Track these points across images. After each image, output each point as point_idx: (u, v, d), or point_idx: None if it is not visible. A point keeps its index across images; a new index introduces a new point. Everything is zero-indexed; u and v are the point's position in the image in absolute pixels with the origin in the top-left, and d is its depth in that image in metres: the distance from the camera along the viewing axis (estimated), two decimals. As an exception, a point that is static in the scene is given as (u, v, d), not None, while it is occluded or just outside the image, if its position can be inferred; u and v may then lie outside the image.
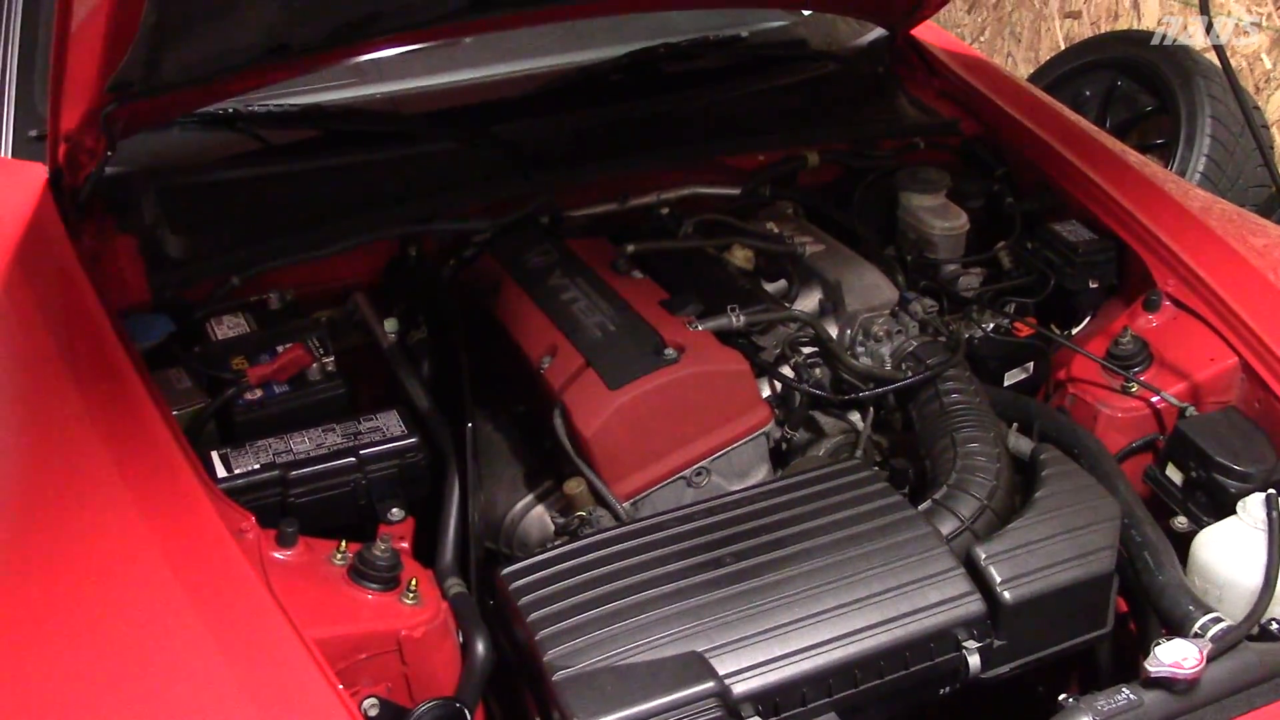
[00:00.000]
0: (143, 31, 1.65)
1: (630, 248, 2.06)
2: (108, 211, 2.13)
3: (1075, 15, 4.47)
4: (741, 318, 1.89)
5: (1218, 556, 1.67)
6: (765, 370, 1.88)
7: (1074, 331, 2.27)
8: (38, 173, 2.09)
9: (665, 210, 2.27)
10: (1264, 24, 3.80)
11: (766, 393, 1.91)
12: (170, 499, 1.55)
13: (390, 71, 2.45)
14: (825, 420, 1.95)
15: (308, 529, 1.68)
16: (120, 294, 2.00)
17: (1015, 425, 1.90)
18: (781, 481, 1.70)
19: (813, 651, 1.46)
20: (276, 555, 1.56)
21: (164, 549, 1.48)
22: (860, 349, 1.98)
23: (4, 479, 1.64)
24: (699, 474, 1.82)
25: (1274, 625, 1.56)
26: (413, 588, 1.56)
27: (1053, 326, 2.28)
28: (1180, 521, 1.81)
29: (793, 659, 1.45)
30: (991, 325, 2.17)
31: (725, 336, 1.89)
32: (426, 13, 2.04)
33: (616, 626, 1.46)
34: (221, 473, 1.70)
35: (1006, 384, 2.17)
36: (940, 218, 2.26)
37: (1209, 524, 1.75)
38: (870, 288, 2.05)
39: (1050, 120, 2.47)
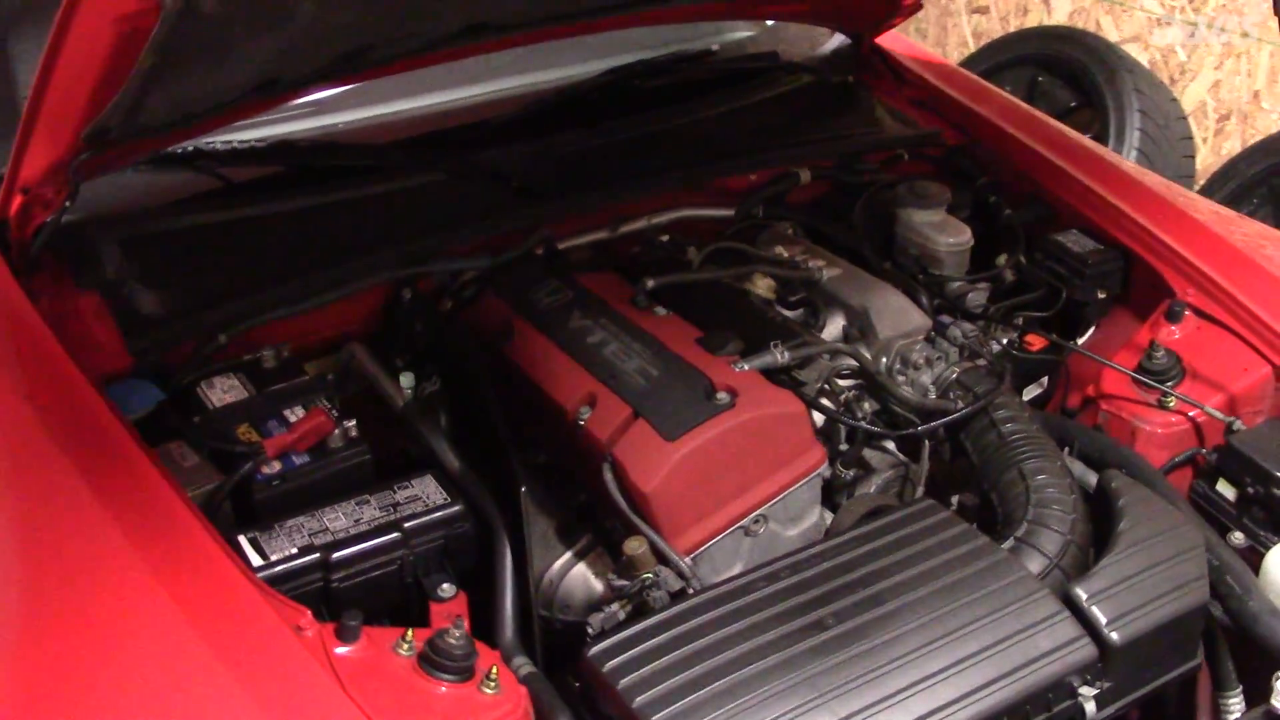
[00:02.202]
0: (135, 75, 1.48)
1: (650, 283, 1.95)
2: (61, 267, 1.93)
3: (983, 10, 4.51)
4: (785, 353, 1.80)
5: (1293, 575, 1.65)
6: (819, 409, 1.79)
7: (1080, 342, 2.25)
8: None
9: (665, 237, 2.17)
10: (1179, 19, 3.89)
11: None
12: (220, 598, 1.40)
13: (352, 100, 2.29)
14: (871, 455, 1.88)
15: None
16: (94, 360, 1.81)
17: (1068, 449, 1.86)
18: (860, 530, 1.62)
19: (938, 716, 1.39)
20: (340, 651, 1.42)
21: (226, 658, 1.33)
22: (900, 378, 1.92)
23: (10, 600, 1.45)
24: (757, 521, 1.73)
25: (1367, 644, 1.55)
26: (493, 675, 1.43)
27: (1055, 339, 2.26)
28: (1237, 538, 1.79)
29: (920, 726, 1.38)
30: (1006, 341, 2.14)
31: (770, 374, 1.80)
32: (419, 41, 1.90)
33: (733, 706, 1.37)
34: (256, 560, 1.55)
35: (1026, 398, 2.14)
36: (944, 233, 2.21)
37: (1269, 539, 1.74)
38: (900, 312, 1.99)
39: (1036, 128, 2.45)
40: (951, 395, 1.87)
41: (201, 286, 1.95)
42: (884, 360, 1.94)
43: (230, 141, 2.11)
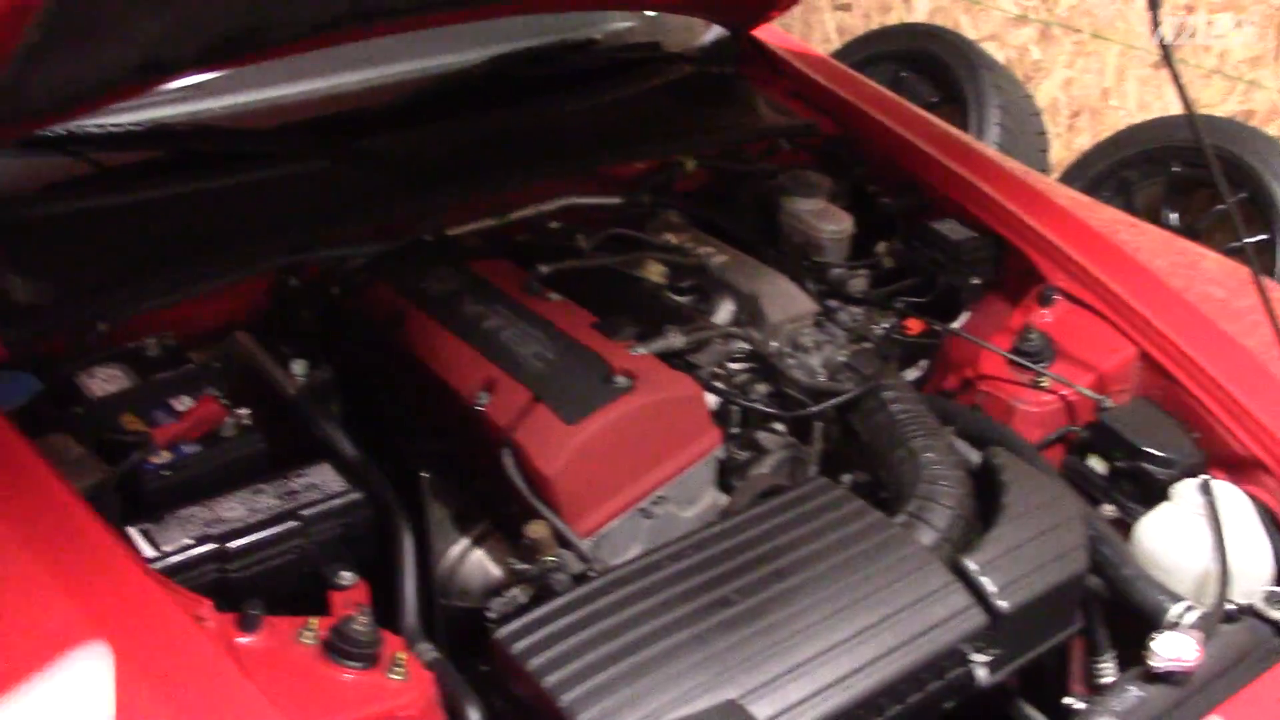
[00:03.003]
0: (17, 54, 1.43)
1: (544, 269, 1.96)
2: None
3: (845, 8, 4.62)
4: (681, 337, 1.83)
5: (1162, 543, 1.75)
6: (714, 391, 1.83)
7: (954, 326, 2.33)
8: None
9: (554, 224, 2.17)
10: (1034, 18, 4.05)
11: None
12: (116, 593, 1.36)
13: (237, 84, 2.23)
14: (763, 436, 1.92)
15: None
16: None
17: (951, 428, 1.93)
18: (760, 509, 1.65)
19: (840, 686, 1.43)
20: (242, 641, 1.39)
21: (127, 653, 1.29)
22: (790, 360, 1.96)
23: None
24: (656, 503, 1.75)
25: (1231, 607, 1.64)
26: (399, 660, 1.42)
27: (933, 323, 2.33)
28: (1107, 510, 1.88)
29: (824, 695, 1.41)
30: (886, 325, 2.21)
31: (665, 358, 1.83)
32: (305, 24, 1.87)
33: (644, 681, 1.38)
34: (149, 552, 1.51)
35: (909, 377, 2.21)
36: (826, 221, 2.27)
37: (1136, 511, 1.84)
38: (788, 297, 2.03)
39: (908, 118, 2.53)
40: (840, 377, 1.93)
41: (80, 275, 1.88)
42: (774, 344, 1.98)
43: (105, 125, 2.04)
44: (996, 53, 4.14)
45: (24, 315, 1.80)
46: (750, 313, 2.03)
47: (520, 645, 1.43)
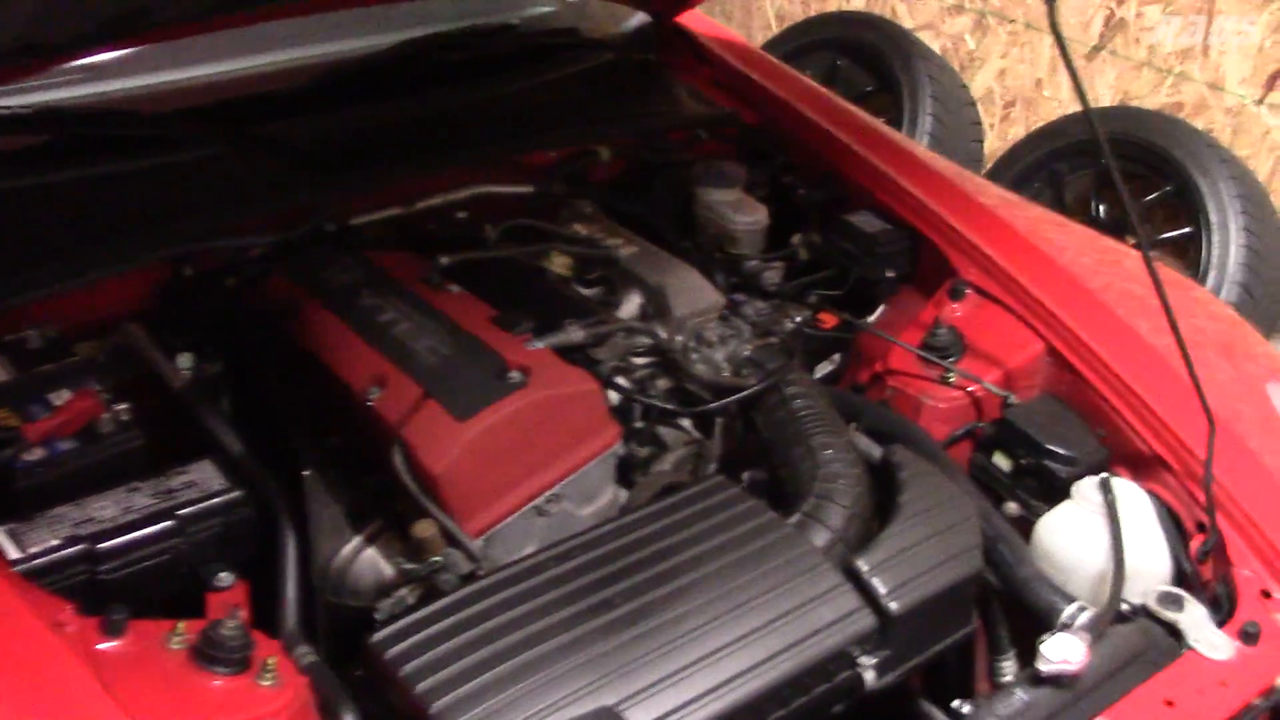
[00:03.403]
0: None
1: (444, 260, 1.92)
2: None
3: (788, -6, 4.60)
4: (579, 331, 1.79)
5: (1060, 542, 1.73)
6: (614, 387, 1.79)
7: (870, 320, 2.31)
8: None
9: (462, 214, 2.13)
10: (969, 7, 4.03)
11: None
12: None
13: (133, 66, 2.17)
14: (665, 432, 1.89)
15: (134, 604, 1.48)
16: None
17: (854, 425, 1.91)
18: (652, 507, 1.62)
19: (721, 691, 1.40)
20: (104, 647, 1.35)
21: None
22: (695, 355, 1.93)
23: None
24: (550, 501, 1.72)
25: (1124, 607, 1.63)
26: (270, 666, 1.38)
27: (846, 316, 2.31)
28: (1011, 507, 1.87)
29: (703, 702, 1.38)
30: (799, 318, 2.19)
31: (564, 352, 1.79)
32: (198, 4, 1.81)
33: (519, 688, 1.35)
34: (13, 553, 1.46)
35: (816, 377, 2.19)
36: (740, 212, 2.24)
37: (1039, 509, 1.82)
38: (695, 290, 2.00)
39: (829, 109, 2.50)
40: (744, 372, 1.90)
41: None
42: (679, 338, 1.94)
43: (-5, 106, 1.97)
44: (932, 42, 4.13)
45: (-102, 305, 1.74)
46: (656, 306, 2.00)
47: (393, 651, 1.40)
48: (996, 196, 2.36)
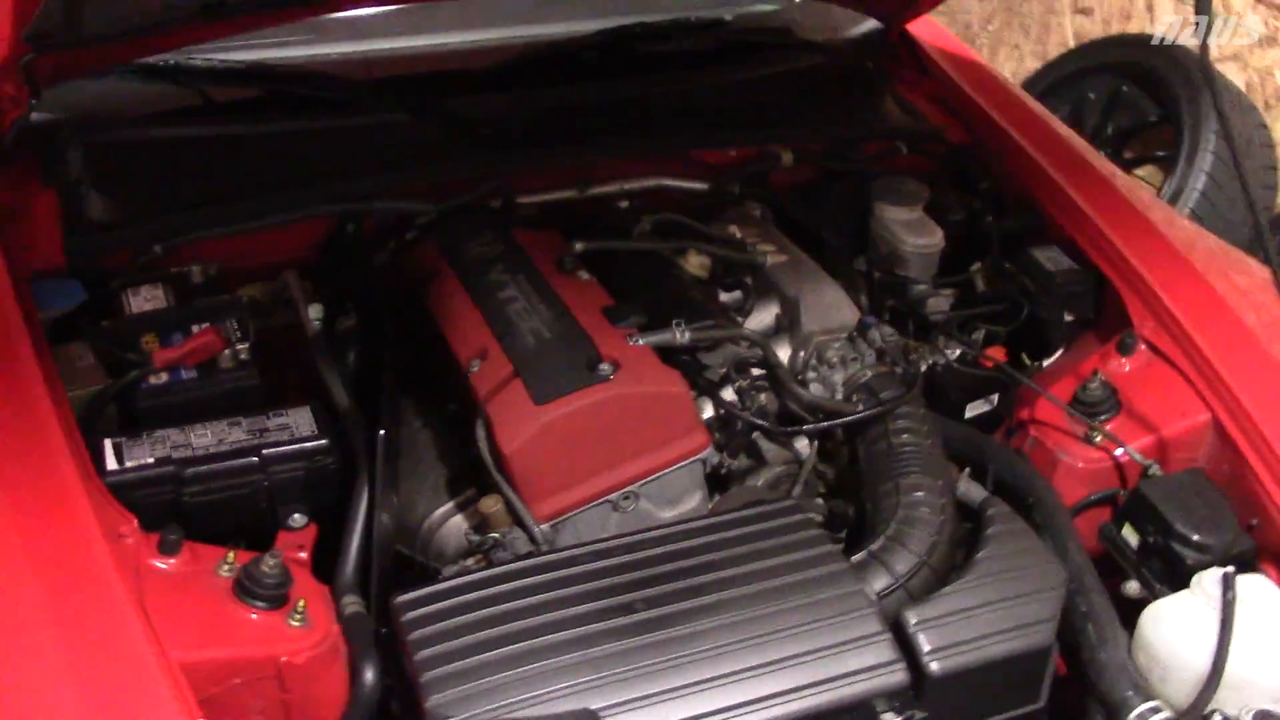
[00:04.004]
0: None
1: (579, 245, 1.94)
2: (34, 162, 2.01)
3: (1087, 12, 4.31)
4: (687, 333, 1.77)
5: (1166, 633, 1.56)
6: (706, 392, 1.76)
7: (1045, 364, 2.15)
8: None
9: (625, 204, 2.14)
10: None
11: (709, 413, 1.79)
12: (44, 493, 1.44)
13: (351, 31, 2.30)
14: (768, 448, 1.84)
15: (203, 531, 1.58)
16: (34, 255, 1.88)
17: (968, 470, 1.79)
18: (710, 519, 1.59)
19: (718, 717, 1.35)
20: (157, 564, 1.45)
21: (28, 551, 1.37)
22: (812, 374, 1.86)
23: None
24: (626, 499, 1.71)
25: (1217, 717, 1.46)
26: (300, 608, 1.45)
27: (1024, 358, 2.17)
28: (1132, 587, 1.70)
29: (695, 724, 1.35)
30: (957, 352, 2.07)
31: (668, 353, 1.77)
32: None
33: (510, 674, 1.36)
34: (112, 464, 1.59)
35: (968, 416, 2.06)
36: (914, 233, 2.14)
37: (1163, 592, 1.65)
38: (829, 307, 1.93)
39: (1041, 135, 2.34)
40: (855, 398, 1.81)
41: (151, 197, 2.00)
42: (802, 353, 1.89)
43: (211, 60, 2.15)
44: (1236, 75, 3.76)
45: (90, 229, 1.93)
46: (791, 318, 1.94)
47: (409, 615, 1.43)
48: (1207, 251, 2.14)
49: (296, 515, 1.64)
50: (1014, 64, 4.62)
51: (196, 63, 2.14)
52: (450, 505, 1.79)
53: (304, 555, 1.61)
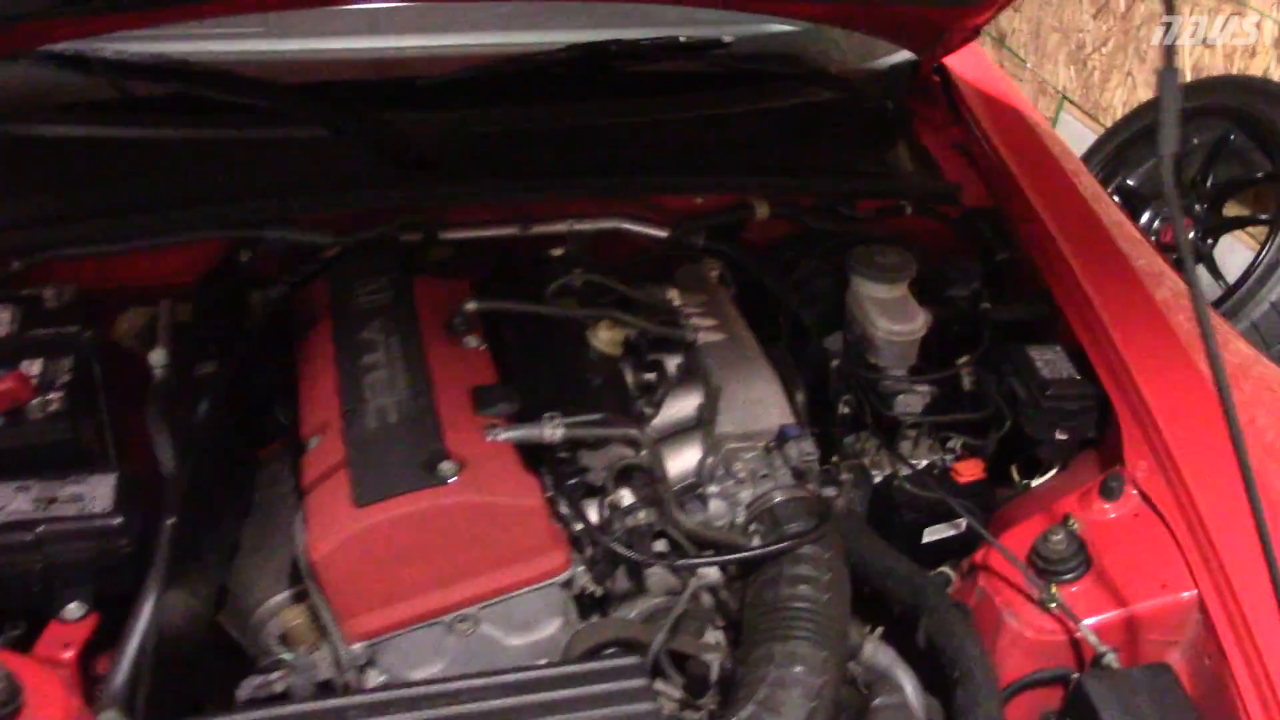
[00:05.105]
0: None
1: (471, 305, 1.67)
2: None
3: (1210, 45, 3.85)
4: (560, 429, 1.49)
5: None
6: (567, 506, 1.48)
7: (1034, 484, 1.82)
8: None
9: (558, 252, 1.86)
10: None
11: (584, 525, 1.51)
12: None
13: (293, 28, 2.07)
14: (655, 575, 1.55)
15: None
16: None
17: (878, 630, 1.48)
18: (524, 674, 1.31)
19: None
20: None
21: None
22: (715, 487, 1.57)
23: None
24: (463, 621, 1.45)
25: None
26: (19, 733, 1.23)
27: (1013, 472, 1.84)
28: (1062, 802, 1.38)
29: None
30: (924, 463, 1.75)
31: (536, 450, 1.50)
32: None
33: None
34: None
35: (928, 539, 1.74)
36: (890, 316, 1.81)
37: (1095, 820, 1.32)
38: (754, 405, 1.62)
39: (1070, 207, 1.98)
40: (752, 528, 1.51)
41: (23, 204, 1.80)
42: (710, 460, 1.59)
43: (123, 52, 1.93)
44: (1369, 130, 3.28)
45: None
46: (711, 412, 1.64)
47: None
48: (1247, 376, 1.76)
49: (73, 605, 1.42)
50: (1125, 92, 4.17)
51: (106, 54, 1.92)
52: (287, 595, 1.55)
53: (68, 655, 1.39)
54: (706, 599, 1.57)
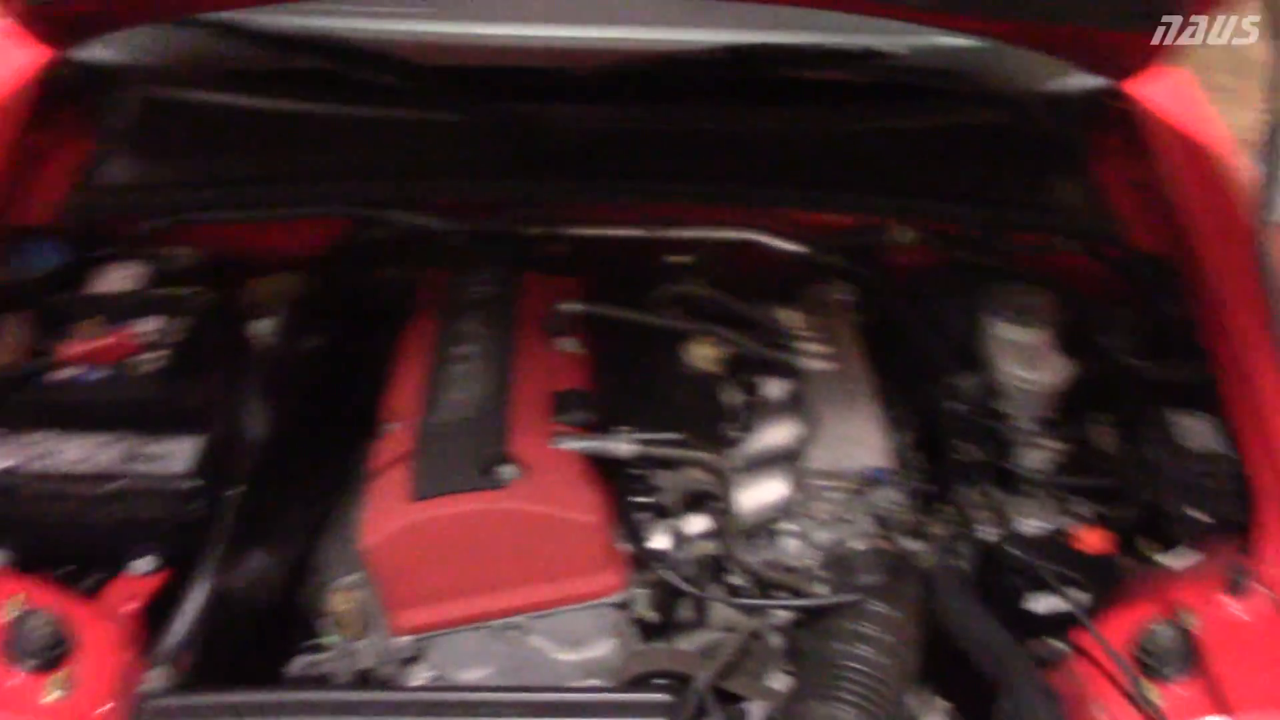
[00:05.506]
0: None
1: (570, 305, 1.63)
2: (87, 107, 1.93)
3: None
4: (632, 445, 1.43)
5: None
6: (631, 529, 1.42)
7: (1167, 561, 1.65)
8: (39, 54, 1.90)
9: (681, 259, 1.80)
10: None
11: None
12: None
13: (462, 11, 2.05)
14: (721, 609, 1.48)
15: (46, 553, 1.44)
16: (29, 207, 1.79)
17: (937, 702, 1.37)
18: (555, 695, 1.26)
19: None
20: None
21: None
22: (793, 525, 1.48)
23: None
24: (510, 629, 1.41)
25: None
26: (63, 678, 1.27)
27: (1142, 546, 1.67)
28: None
29: None
30: (1042, 525, 1.62)
31: (608, 464, 1.45)
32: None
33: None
34: (-37, 460, 1.46)
35: (1033, 610, 1.60)
36: (1024, 362, 1.68)
37: None
38: (848, 443, 1.52)
39: (1248, 265, 1.78)
40: (818, 575, 1.42)
41: (162, 165, 1.87)
42: (792, 495, 1.50)
43: (273, 23, 1.96)
44: None
45: (103, 190, 1.82)
46: (804, 445, 1.55)
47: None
48: None
49: (143, 560, 1.46)
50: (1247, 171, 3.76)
51: (258, 24, 1.95)
52: (354, 579, 1.55)
53: (131, 608, 1.43)
54: (777, 640, 1.49)
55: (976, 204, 1.89)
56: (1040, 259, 1.89)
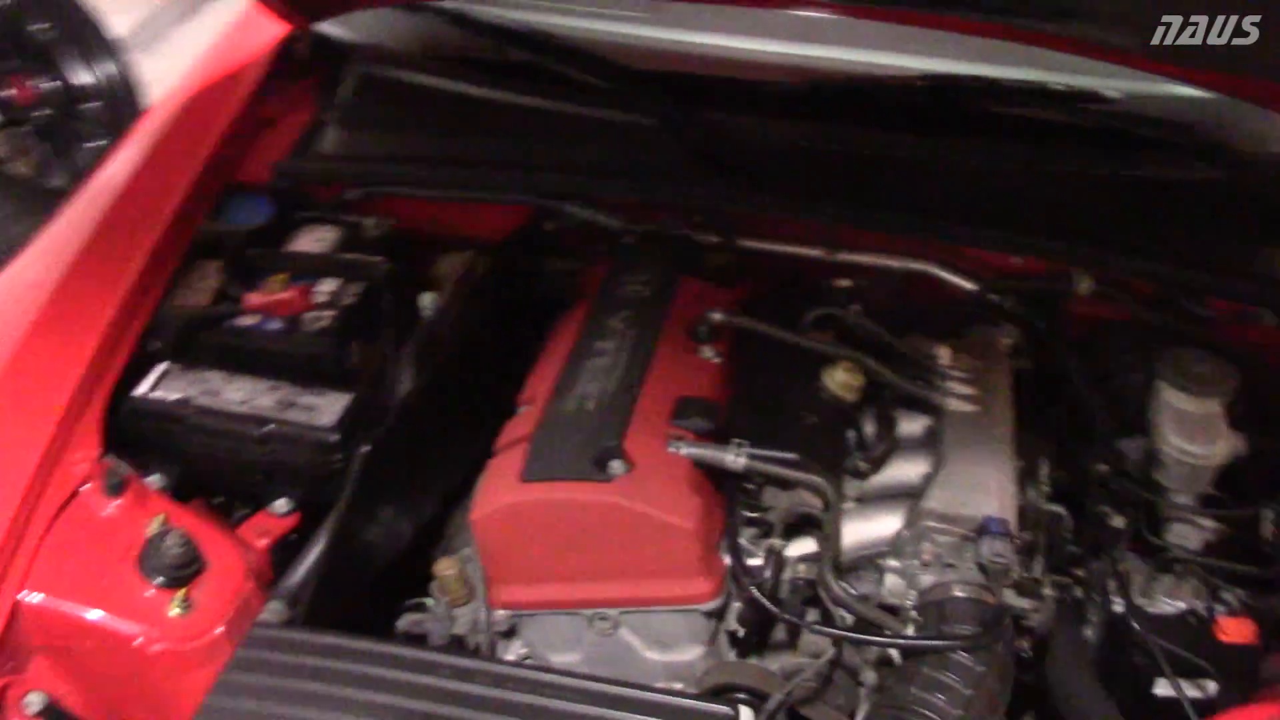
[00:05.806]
0: None
1: (716, 315, 1.64)
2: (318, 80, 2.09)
3: None
4: (742, 459, 1.44)
5: None
6: (733, 542, 1.42)
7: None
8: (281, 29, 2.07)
9: (845, 282, 1.78)
10: None
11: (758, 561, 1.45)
12: (24, 398, 1.49)
13: (678, 18, 2.10)
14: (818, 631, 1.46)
15: (200, 481, 1.57)
16: (250, 164, 1.95)
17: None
18: (619, 690, 1.28)
19: None
20: (93, 500, 1.45)
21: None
22: (896, 562, 1.44)
23: None
24: (602, 619, 1.44)
25: None
26: (179, 600, 1.38)
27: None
28: None
29: None
30: (1175, 604, 1.52)
31: (719, 475, 1.46)
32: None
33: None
34: (142, 389, 1.61)
35: (1159, 694, 1.51)
36: (1188, 433, 1.57)
37: None
38: (970, 490, 1.47)
39: None
40: (913, 616, 1.38)
41: (374, 139, 1.99)
42: (904, 533, 1.47)
43: (491, 15, 2.06)
44: None
45: (313, 158, 1.96)
46: (925, 486, 1.51)
47: (247, 653, 1.31)
48: None
49: (281, 501, 1.57)
50: None
51: (478, 14, 2.05)
52: (471, 548, 1.62)
53: (263, 543, 1.54)
54: (871, 676, 1.46)
55: (1180, 264, 1.78)
56: (1239, 329, 1.77)
